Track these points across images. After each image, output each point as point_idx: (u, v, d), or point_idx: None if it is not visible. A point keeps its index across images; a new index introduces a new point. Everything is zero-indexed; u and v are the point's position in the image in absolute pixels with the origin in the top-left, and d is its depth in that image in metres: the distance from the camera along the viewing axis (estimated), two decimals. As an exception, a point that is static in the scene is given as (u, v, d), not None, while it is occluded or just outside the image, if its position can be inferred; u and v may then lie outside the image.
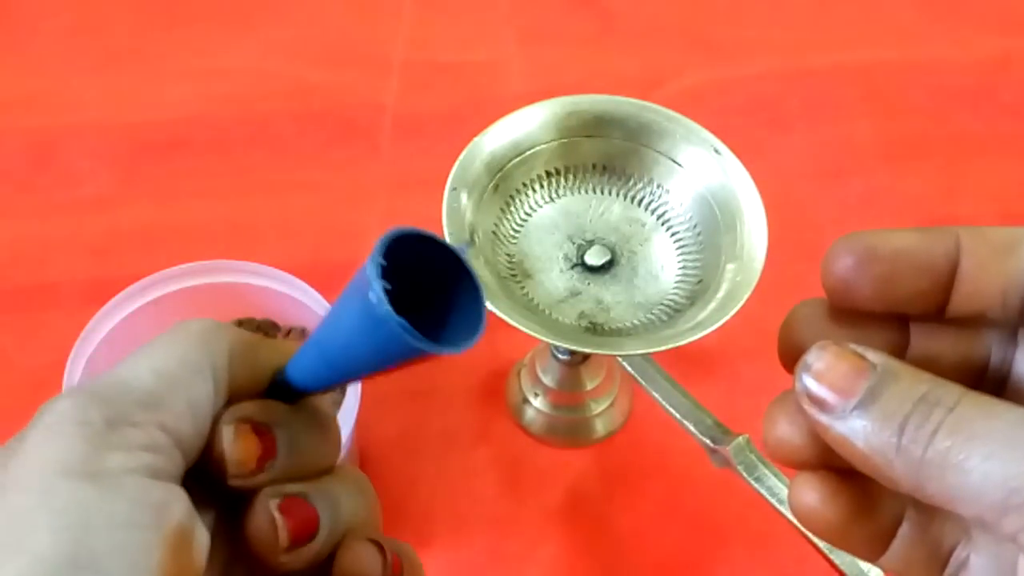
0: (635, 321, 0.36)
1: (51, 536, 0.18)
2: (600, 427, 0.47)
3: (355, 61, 0.62)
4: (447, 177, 0.36)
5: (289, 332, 0.45)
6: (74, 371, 0.40)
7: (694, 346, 0.33)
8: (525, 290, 0.36)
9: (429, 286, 0.21)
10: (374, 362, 0.21)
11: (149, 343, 0.22)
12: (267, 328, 0.46)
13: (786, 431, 0.22)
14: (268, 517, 0.22)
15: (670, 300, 0.37)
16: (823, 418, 0.20)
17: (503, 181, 0.38)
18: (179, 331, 0.22)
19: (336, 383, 0.23)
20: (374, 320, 0.19)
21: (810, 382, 0.20)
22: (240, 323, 0.45)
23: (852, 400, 0.20)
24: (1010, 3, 0.66)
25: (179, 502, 0.20)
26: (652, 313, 0.37)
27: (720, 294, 0.35)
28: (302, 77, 0.61)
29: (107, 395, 0.20)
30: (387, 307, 0.19)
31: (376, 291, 0.19)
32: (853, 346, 0.21)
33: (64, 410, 0.20)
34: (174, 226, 0.54)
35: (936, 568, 0.23)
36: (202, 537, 0.20)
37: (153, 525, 0.19)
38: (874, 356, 0.20)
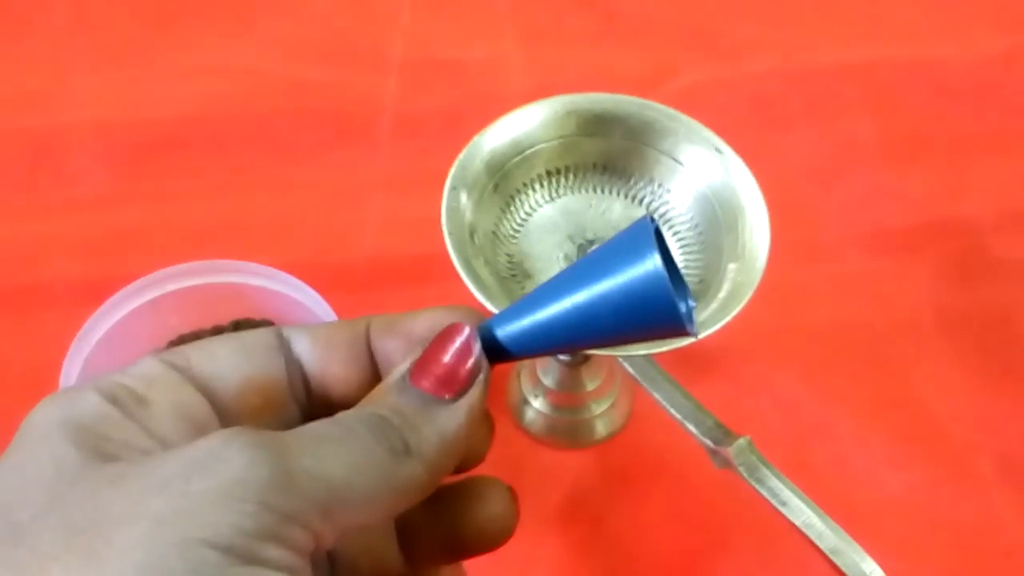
0: (636, 321, 0.36)
1: None
2: (601, 428, 0.47)
3: (354, 60, 0.62)
4: (447, 176, 0.36)
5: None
6: (71, 371, 0.40)
7: (695, 347, 0.33)
8: (525, 290, 0.36)
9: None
10: (618, 330, 0.21)
11: (350, 432, 0.20)
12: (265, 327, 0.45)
13: None
14: (506, 500, 0.22)
15: (671, 300, 0.37)
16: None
17: (503, 180, 0.38)
18: (360, 425, 0.20)
19: (548, 351, 0.22)
20: (647, 284, 0.19)
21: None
22: (239, 323, 0.45)
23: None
24: (1012, 2, 0.66)
25: None
26: (653, 313, 0.36)
27: (722, 294, 0.34)
28: (301, 76, 0.61)
29: (297, 482, 0.18)
30: (663, 271, 0.19)
31: (655, 256, 0.19)
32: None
33: (248, 481, 0.18)
34: (172, 226, 0.53)
35: None
36: None
37: None
38: None
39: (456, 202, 0.36)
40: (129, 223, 0.53)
